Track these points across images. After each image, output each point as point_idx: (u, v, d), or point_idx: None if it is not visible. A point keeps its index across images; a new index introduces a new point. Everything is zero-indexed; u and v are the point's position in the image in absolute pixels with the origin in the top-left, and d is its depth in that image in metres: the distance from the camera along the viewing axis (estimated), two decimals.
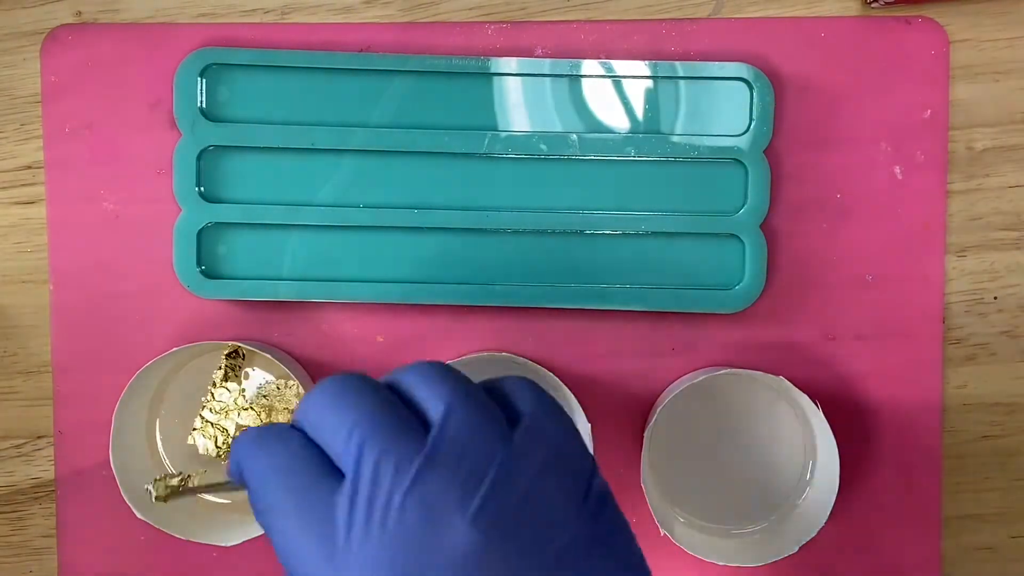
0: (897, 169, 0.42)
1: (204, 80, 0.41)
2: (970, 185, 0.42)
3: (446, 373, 0.26)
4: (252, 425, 0.41)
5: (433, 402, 0.25)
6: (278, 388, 0.42)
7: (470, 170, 0.42)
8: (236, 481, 0.27)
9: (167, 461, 0.43)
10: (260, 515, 0.26)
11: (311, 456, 0.25)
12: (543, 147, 0.41)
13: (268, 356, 0.40)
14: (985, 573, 0.43)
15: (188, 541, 0.39)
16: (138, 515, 0.38)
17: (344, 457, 0.25)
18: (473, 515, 0.24)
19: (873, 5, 0.42)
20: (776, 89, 0.41)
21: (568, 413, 0.27)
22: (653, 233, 0.42)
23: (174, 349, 0.40)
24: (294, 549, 0.24)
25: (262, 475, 0.26)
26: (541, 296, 0.41)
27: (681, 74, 0.41)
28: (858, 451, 0.42)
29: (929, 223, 0.42)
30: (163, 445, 0.43)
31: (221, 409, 0.42)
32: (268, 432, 0.26)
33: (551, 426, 0.26)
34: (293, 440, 0.26)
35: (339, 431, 0.25)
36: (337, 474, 0.25)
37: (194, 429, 0.42)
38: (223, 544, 0.39)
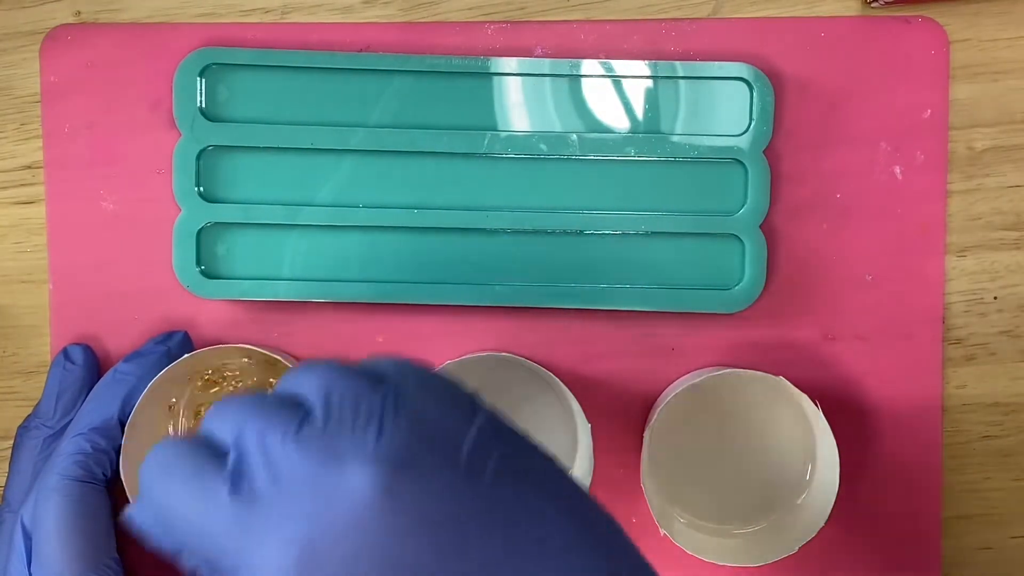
0: (897, 169, 0.42)
1: (204, 80, 0.41)
2: (970, 185, 0.42)
3: (314, 362, 0.27)
4: None
5: (307, 384, 0.26)
6: None
7: (470, 170, 0.42)
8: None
9: None
10: (156, 511, 0.25)
11: (199, 447, 0.25)
12: (543, 147, 0.41)
13: (278, 357, 0.39)
14: (985, 573, 0.43)
15: None
16: None
17: (229, 439, 0.25)
18: (373, 451, 0.23)
19: (873, 5, 0.42)
20: (776, 89, 0.41)
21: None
22: (653, 233, 0.42)
23: (190, 353, 0.39)
24: (194, 528, 0.24)
25: (149, 477, 0.26)
26: (541, 296, 0.41)
27: (681, 74, 0.41)
28: (858, 451, 0.42)
29: (929, 223, 0.42)
30: None
31: None
32: (157, 444, 0.27)
33: (418, 368, 0.26)
34: (181, 442, 0.26)
35: (224, 424, 0.25)
36: (225, 461, 0.25)
37: None
38: None
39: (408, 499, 0.23)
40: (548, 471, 0.26)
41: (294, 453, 0.24)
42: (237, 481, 0.24)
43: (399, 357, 0.27)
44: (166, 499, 0.25)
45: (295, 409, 0.25)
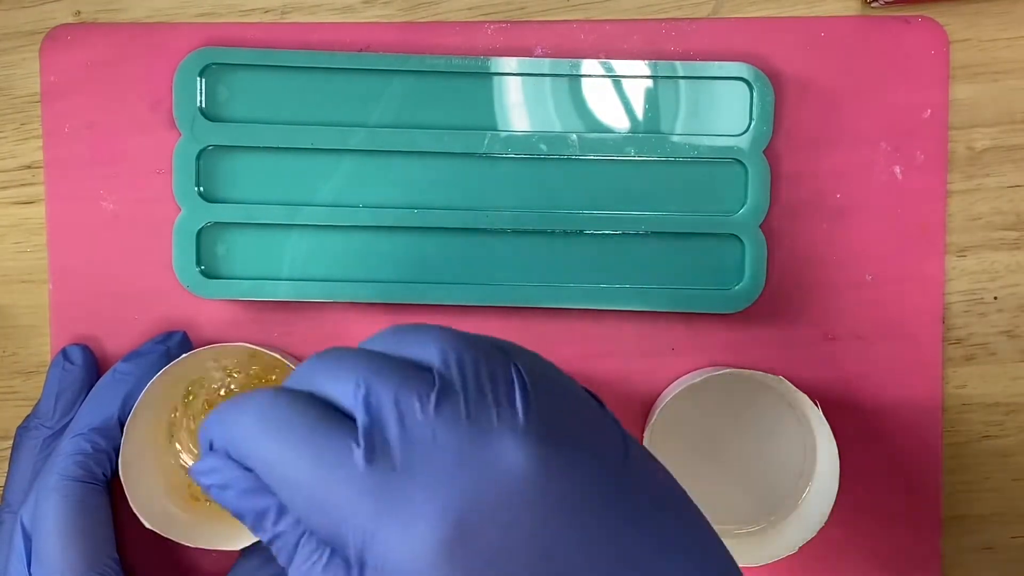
0: (897, 169, 0.42)
1: (204, 80, 0.41)
2: (970, 185, 0.42)
3: (429, 325, 0.25)
4: None
5: (425, 349, 0.23)
6: None
7: (470, 170, 0.42)
8: (217, 453, 0.24)
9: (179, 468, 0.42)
10: (274, 485, 0.23)
11: (314, 405, 0.23)
12: (543, 147, 0.41)
13: (277, 356, 0.39)
14: (985, 573, 0.43)
15: (186, 545, 0.39)
16: (147, 525, 0.38)
17: (355, 401, 0.22)
18: (524, 426, 0.22)
19: (873, 5, 0.42)
20: (776, 89, 0.41)
21: None
22: (653, 233, 0.42)
23: (189, 352, 0.39)
24: (310, 494, 0.22)
25: (244, 435, 0.23)
26: (541, 296, 0.41)
27: (681, 74, 0.41)
28: (858, 451, 0.42)
29: (929, 223, 0.42)
30: (179, 449, 0.42)
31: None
32: (247, 394, 0.24)
33: (543, 358, 0.25)
34: (289, 393, 0.23)
35: (346, 381, 0.23)
36: (349, 421, 0.23)
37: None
38: (232, 548, 0.39)
39: (561, 480, 0.22)
40: (662, 470, 0.25)
41: (436, 421, 0.22)
42: (371, 447, 0.22)
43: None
44: (273, 458, 0.22)
45: (423, 373, 0.23)
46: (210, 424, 0.24)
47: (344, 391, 0.23)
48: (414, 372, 0.23)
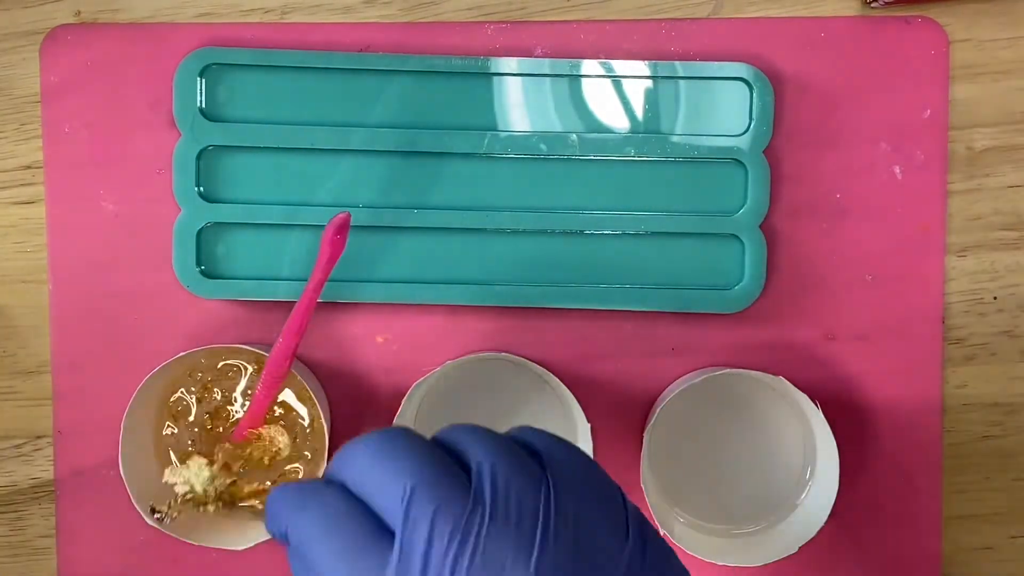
0: (897, 169, 0.42)
1: (204, 80, 0.41)
2: (970, 185, 0.42)
3: (477, 429, 0.27)
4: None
5: (473, 454, 0.26)
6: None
7: (470, 170, 0.42)
8: (278, 539, 0.27)
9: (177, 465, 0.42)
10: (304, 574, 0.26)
11: (357, 514, 0.25)
12: (543, 147, 0.41)
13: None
14: (985, 573, 0.43)
15: (187, 543, 0.39)
16: (149, 523, 0.38)
17: (394, 515, 0.25)
18: (535, 567, 0.24)
19: (873, 5, 0.42)
20: (776, 89, 0.41)
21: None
22: (653, 233, 0.42)
23: (182, 353, 0.39)
24: None
25: (307, 536, 0.26)
26: (541, 296, 0.41)
27: (681, 74, 0.41)
28: (858, 451, 0.42)
29: (929, 223, 0.42)
30: (173, 451, 0.42)
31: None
32: (308, 488, 0.26)
33: (572, 456, 0.27)
34: (336, 496, 0.26)
35: (387, 486, 0.25)
36: (387, 533, 0.25)
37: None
38: (234, 548, 0.39)
39: None
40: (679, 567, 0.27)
41: (457, 554, 0.24)
42: (403, 570, 0.24)
43: (545, 432, 0.28)
44: (321, 560, 0.25)
45: (464, 491, 0.25)
46: (275, 508, 0.27)
47: (384, 492, 0.25)
48: (456, 487, 0.25)
